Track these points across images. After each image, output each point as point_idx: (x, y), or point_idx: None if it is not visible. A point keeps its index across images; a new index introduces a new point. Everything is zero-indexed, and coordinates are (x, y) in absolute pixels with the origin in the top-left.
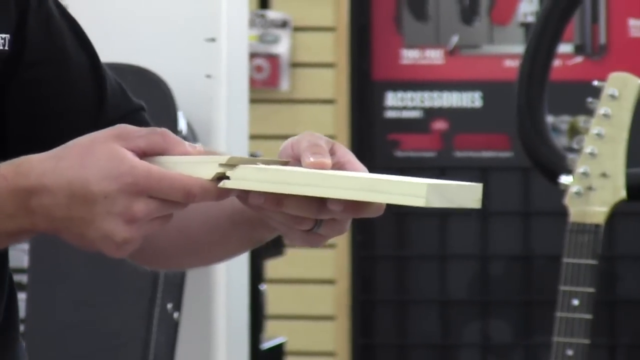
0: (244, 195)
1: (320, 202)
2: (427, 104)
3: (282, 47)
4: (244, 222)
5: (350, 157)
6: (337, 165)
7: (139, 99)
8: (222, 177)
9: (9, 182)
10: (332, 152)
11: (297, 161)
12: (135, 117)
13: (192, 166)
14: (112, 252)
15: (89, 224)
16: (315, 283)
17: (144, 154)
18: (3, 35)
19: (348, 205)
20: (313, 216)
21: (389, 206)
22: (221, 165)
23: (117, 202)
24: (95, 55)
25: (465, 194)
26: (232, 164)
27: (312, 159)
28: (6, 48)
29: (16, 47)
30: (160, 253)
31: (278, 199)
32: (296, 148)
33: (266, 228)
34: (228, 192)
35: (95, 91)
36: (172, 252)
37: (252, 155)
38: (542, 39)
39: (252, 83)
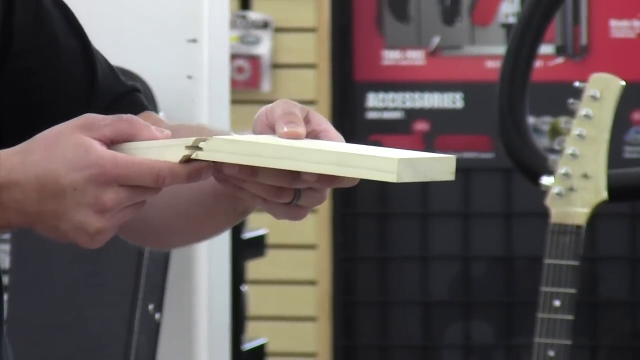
0: (218, 170)
1: (295, 172)
2: (409, 104)
3: (263, 48)
4: (226, 194)
5: (326, 126)
6: (312, 134)
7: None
8: (190, 159)
9: None
10: (307, 121)
11: (271, 130)
12: (129, 99)
13: (160, 150)
14: (86, 243)
15: (61, 217)
16: (297, 284)
17: (111, 142)
18: None
19: (321, 176)
20: (288, 186)
21: (371, 206)
22: (188, 147)
23: (87, 193)
24: (87, 39)
25: (438, 167)
26: (199, 146)
27: (285, 129)
28: None
29: (3, 37)
30: (152, 230)
31: (252, 170)
32: (270, 116)
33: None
34: (199, 173)
35: (86, 76)
36: (164, 228)
37: None
38: (524, 39)
39: (234, 84)
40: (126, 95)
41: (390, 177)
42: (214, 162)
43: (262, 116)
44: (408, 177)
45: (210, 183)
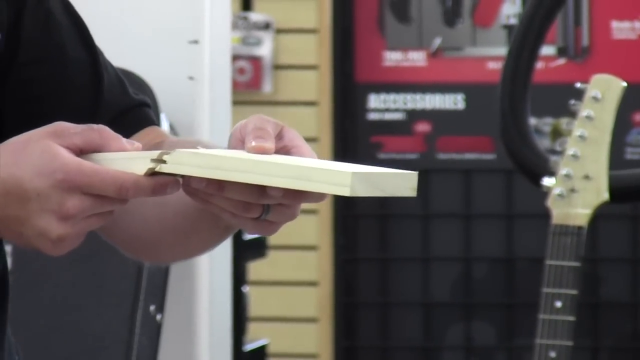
0: (187, 184)
1: (262, 187)
2: (410, 106)
3: (264, 49)
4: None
5: (298, 142)
6: (284, 150)
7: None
8: (155, 172)
9: None
10: (279, 137)
11: (243, 145)
12: (135, 113)
13: (126, 162)
14: (48, 249)
15: (24, 222)
16: (298, 285)
17: (80, 151)
18: None
19: (287, 191)
20: (255, 201)
21: (372, 207)
22: (153, 160)
23: (50, 199)
24: (95, 51)
25: (398, 182)
26: (163, 159)
27: (253, 143)
28: None
29: (10, 47)
30: (144, 244)
31: (219, 184)
32: (243, 131)
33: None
34: (164, 187)
35: (91, 88)
36: (154, 242)
37: None
38: (525, 41)
39: (235, 85)
40: (133, 109)
41: (344, 191)
42: (181, 175)
43: (237, 131)
44: (362, 192)
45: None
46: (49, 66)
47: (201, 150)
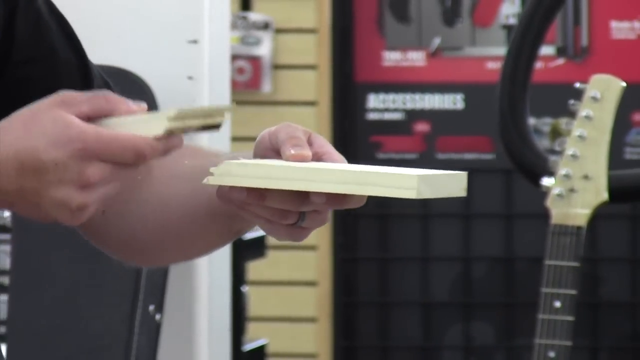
0: (224, 192)
1: (303, 195)
2: (409, 105)
3: (264, 49)
4: (222, 214)
5: (329, 148)
6: (315, 157)
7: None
8: (171, 132)
9: None
10: (309, 143)
11: (275, 153)
12: None
13: (139, 125)
14: (67, 219)
15: (42, 194)
16: (297, 285)
17: (88, 119)
18: None
19: (330, 196)
20: (295, 209)
21: (371, 207)
22: (170, 119)
23: (69, 169)
24: (84, 53)
25: (452, 183)
26: (180, 118)
27: (292, 152)
28: None
29: (4, 46)
30: (143, 248)
31: (261, 193)
32: (274, 140)
33: (245, 219)
34: (176, 147)
35: (82, 90)
36: (155, 246)
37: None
38: (524, 40)
39: (234, 85)
40: None
41: (410, 194)
42: (220, 185)
43: (265, 140)
44: (426, 194)
45: (205, 203)
46: (41, 66)
47: (247, 160)
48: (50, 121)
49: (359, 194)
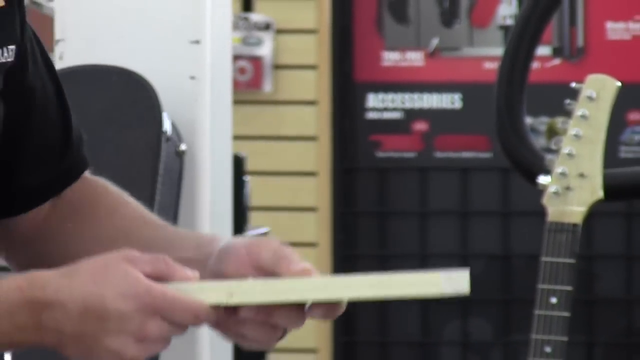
0: (231, 311)
1: (302, 308)
2: (408, 105)
3: (265, 50)
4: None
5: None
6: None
7: (123, 103)
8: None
9: (24, 293)
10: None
11: (254, 269)
12: (77, 156)
13: (196, 292)
14: None
15: (99, 340)
16: None
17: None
18: (10, 47)
19: (328, 307)
20: (297, 324)
21: (370, 205)
22: (227, 294)
23: (132, 321)
24: (60, 83)
25: (457, 281)
26: (233, 293)
27: (300, 267)
28: (12, 59)
29: (20, 59)
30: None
31: (269, 311)
32: (256, 257)
33: None
34: (224, 316)
35: (61, 124)
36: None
37: (237, 155)
38: (521, 41)
39: (236, 85)
40: (78, 150)
41: (437, 291)
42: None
43: (241, 255)
44: (449, 291)
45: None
46: (43, 80)
47: (264, 280)
48: (120, 274)
49: (392, 297)
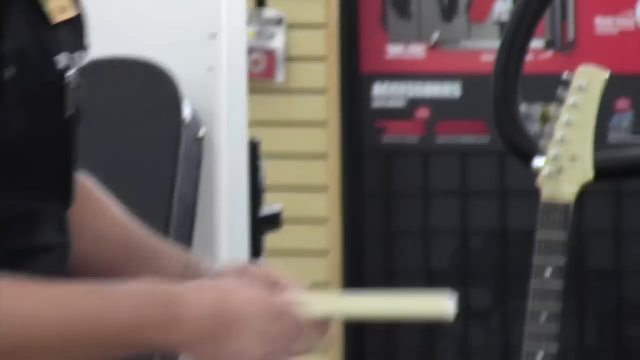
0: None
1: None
2: (411, 94)
3: (277, 43)
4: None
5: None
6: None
7: (146, 93)
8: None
9: (154, 289)
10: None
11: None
12: None
13: (321, 304)
14: None
15: (227, 341)
16: (310, 255)
17: None
18: (84, 52)
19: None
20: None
21: (377, 185)
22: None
23: (258, 322)
24: None
25: (451, 305)
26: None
27: (293, 292)
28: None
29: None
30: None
31: (326, 325)
32: (264, 278)
33: None
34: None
35: None
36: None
37: (252, 140)
38: (516, 35)
39: (250, 75)
40: None
41: (447, 314)
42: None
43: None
44: (451, 313)
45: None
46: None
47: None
48: (246, 283)
49: (405, 316)
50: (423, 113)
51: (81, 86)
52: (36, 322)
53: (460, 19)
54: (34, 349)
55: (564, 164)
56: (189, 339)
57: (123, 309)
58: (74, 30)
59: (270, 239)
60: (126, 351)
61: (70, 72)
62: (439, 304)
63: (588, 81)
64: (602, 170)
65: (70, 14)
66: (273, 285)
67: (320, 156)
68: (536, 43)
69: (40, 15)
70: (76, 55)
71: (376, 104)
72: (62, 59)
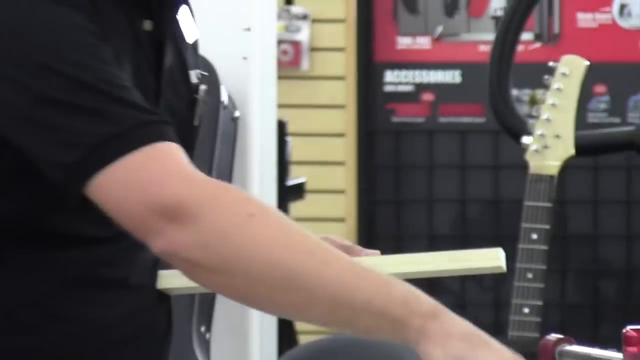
0: None
1: None
2: (418, 80)
3: (303, 35)
4: None
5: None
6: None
7: None
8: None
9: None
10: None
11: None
12: None
13: (379, 266)
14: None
15: (480, 349)
16: (330, 221)
17: None
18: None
19: None
20: None
21: (387, 159)
22: (401, 265)
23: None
24: None
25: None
26: (404, 264)
27: (368, 252)
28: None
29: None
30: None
31: None
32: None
33: None
34: None
35: None
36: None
37: (280, 120)
38: (509, 28)
39: (279, 64)
40: None
41: (499, 265)
42: None
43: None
44: (503, 265)
45: None
46: None
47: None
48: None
49: (460, 270)
50: (428, 97)
51: (205, 102)
52: (327, 267)
53: (460, 15)
54: (310, 287)
55: (549, 142)
56: (443, 332)
57: (397, 288)
58: (194, 52)
59: (295, 207)
60: (376, 327)
61: (202, 88)
62: (492, 258)
63: (571, 69)
64: (582, 147)
65: (194, 36)
66: (348, 249)
67: (339, 134)
68: (526, 35)
69: (179, 35)
70: (199, 73)
71: (387, 88)
72: (193, 76)
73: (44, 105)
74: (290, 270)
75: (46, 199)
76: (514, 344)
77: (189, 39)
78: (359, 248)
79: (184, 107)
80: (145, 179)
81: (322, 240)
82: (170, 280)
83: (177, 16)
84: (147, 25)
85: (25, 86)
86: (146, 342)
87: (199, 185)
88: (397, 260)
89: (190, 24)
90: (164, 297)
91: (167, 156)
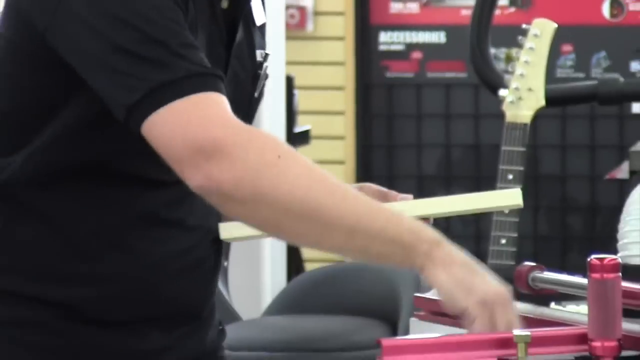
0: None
1: None
2: (408, 40)
3: (308, 1)
4: None
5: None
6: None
7: None
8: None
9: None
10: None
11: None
12: None
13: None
14: (463, 297)
15: (474, 276)
16: (331, 163)
17: None
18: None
19: None
20: None
21: (381, 109)
22: (429, 208)
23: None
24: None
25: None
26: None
27: (402, 196)
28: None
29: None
30: None
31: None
32: (376, 193)
33: None
34: None
35: None
36: None
37: (288, 76)
38: None
39: (287, 26)
40: None
41: (518, 203)
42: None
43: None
44: (520, 203)
45: None
46: None
47: (411, 201)
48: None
49: (481, 209)
50: (417, 55)
51: (267, 77)
52: (339, 196)
53: None
54: (328, 216)
55: (523, 94)
56: (447, 258)
57: (406, 219)
58: (262, 34)
59: (301, 151)
60: (388, 253)
61: (265, 65)
62: (513, 197)
63: (541, 30)
64: (552, 99)
65: (263, 20)
66: (384, 194)
67: (339, 88)
68: (502, 1)
69: (250, 17)
70: (264, 53)
71: (381, 48)
72: (258, 54)
73: (116, 53)
74: (312, 204)
75: (118, 144)
76: (492, 271)
77: (258, 22)
78: (394, 193)
79: (248, 80)
80: (189, 121)
81: (340, 181)
82: (230, 230)
83: (251, 0)
84: (225, 3)
85: (103, 35)
86: (197, 275)
87: (235, 129)
88: (429, 203)
89: (260, 9)
90: (216, 238)
91: (212, 103)
